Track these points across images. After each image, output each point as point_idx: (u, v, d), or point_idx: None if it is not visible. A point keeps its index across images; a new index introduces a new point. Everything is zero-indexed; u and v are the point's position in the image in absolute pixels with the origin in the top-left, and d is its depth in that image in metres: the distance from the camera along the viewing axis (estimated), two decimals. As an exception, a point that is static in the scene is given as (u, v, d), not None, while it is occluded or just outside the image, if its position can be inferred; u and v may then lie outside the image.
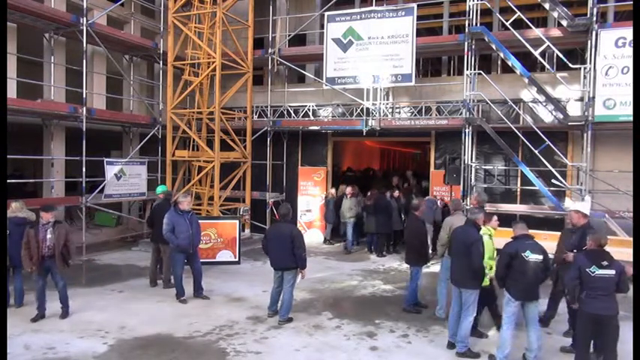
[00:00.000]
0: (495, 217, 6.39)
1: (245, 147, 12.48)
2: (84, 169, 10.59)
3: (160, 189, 9.47)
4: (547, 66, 10.66)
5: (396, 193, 11.51)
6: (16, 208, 6.96)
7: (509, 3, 10.24)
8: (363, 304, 7.70)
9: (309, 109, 12.74)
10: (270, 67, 12.90)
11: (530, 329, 5.40)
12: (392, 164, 23.33)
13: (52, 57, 10.85)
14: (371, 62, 11.52)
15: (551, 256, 6.48)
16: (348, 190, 11.67)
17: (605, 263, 4.79)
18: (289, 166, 13.44)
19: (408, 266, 7.44)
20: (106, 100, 12.55)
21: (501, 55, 10.48)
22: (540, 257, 5.25)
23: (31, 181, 11.69)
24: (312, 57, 13.08)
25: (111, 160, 11.72)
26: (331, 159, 13.45)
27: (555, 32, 10.41)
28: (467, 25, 10.54)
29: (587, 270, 4.85)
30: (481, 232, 5.86)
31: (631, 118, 8.75)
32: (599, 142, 10.26)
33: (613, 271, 4.76)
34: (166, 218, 7.51)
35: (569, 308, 6.05)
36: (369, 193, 11.60)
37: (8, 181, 10.46)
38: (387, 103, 12.04)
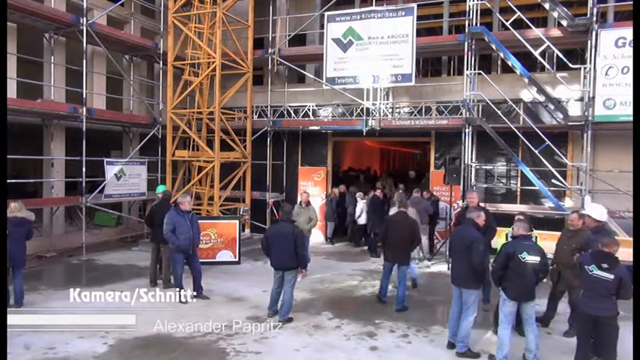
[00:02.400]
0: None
1: (245, 147, 12.48)
2: (84, 169, 10.61)
3: (159, 189, 9.47)
4: (547, 66, 10.65)
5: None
6: (14, 208, 6.96)
7: (509, 3, 10.24)
8: (363, 304, 7.70)
9: (309, 109, 12.74)
10: (270, 67, 12.90)
11: (527, 329, 5.42)
12: (392, 164, 23.33)
13: (52, 57, 10.84)
14: (371, 62, 11.52)
15: (550, 256, 6.50)
16: (304, 196, 9.66)
17: (605, 265, 4.79)
18: (289, 166, 13.43)
19: (388, 264, 7.40)
20: (106, 100, 12.55)
21: (501, 55, 10.48)
22: (538, 259, 5.24)
23: (31, 181, 11.70)
24: (312, 57, 13.08)
25: (111, 160, 11.73)
26: (331, 159, 13.45)
27: (555, 32, 10.41)
28: (467, 25, 10.54)
29: (586, 267, 4.90)
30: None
31: (631, 118, 8.75)
32: (599, 142, 10.25)
33: (612, 276, 4.75)
34: (167, 218, 7.51)
35: (571, 306, 6.08)
36: (371, 194, 11.64)
37: (10, 181, 10.52)
38: (387, 103, 12.04)
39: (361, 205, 11.65)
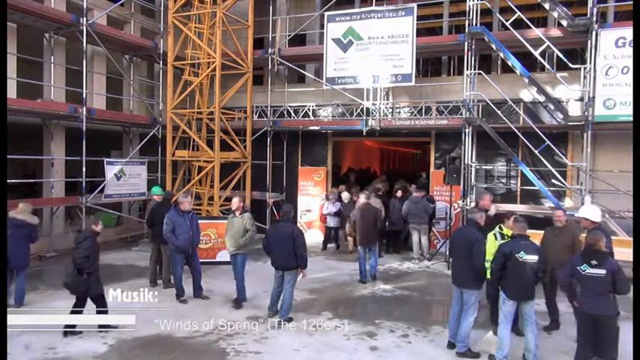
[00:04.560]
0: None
1: (245, 147, 12.48)
2: (84, 169, 10.60)
3: (154, 190, 9.45)
4: (547, 66, 10.65)
5: (399, 193, 11.49)
6: (20, 209, 6.97)
7: (509, 3, 10.23)
8: (363, 304, 7.71)
9: (309, 109, 12.74)
10: (270, 67, 12.90)
11: (526, 329, 5.43)
12: (392, 164, 23.34)
13: (52, 57, 10.84)
14: (371, 62, 11.51)
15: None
16: (235, 202, 7.63)
17: (594, 262, 4.82)
18: (289, 166, 13.43)
19: (360, 248, 8.81)
20: (106, 100, 12.55)
21: (501, 55, 10.47)
22: (535, 258, 5.26)
23: (31, 181, 11.70)
24: (312, 57, 13.07)
25: (111, 160, 11.74)
26: (331, 159, 13.45)
27: (555, 32, 10.40)
28: (467, 25, 10.53)
29: (578, 268, 4.93)
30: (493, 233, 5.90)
31: (631, 118, 8.73)
32: (599, 142, 10.25)
33: (603, 271, 4.77)
34: (167, 218, 7.51)
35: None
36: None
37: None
38: (387, 103, 12.04)
39: (332, 208, 11.50)
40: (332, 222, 11.64)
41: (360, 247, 8.85)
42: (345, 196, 11.52)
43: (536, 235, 6.40)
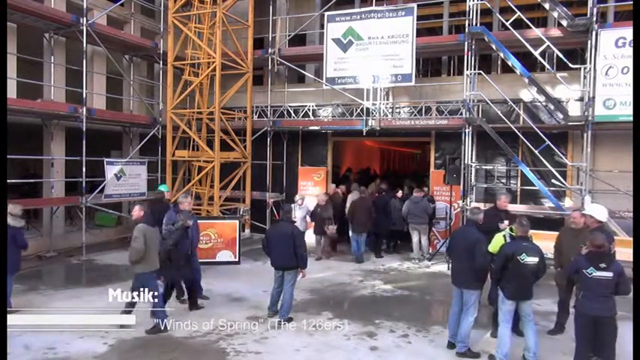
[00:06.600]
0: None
1: (245, 147, 12.48)
2: (84, 169, 10.60)
3: (162, 188, 9.47)
4: (547, 66, 10.65)
5: (399, 194, 11.48)
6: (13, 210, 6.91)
7: (509, 3, 10.24)
8: (363, 304, 7.71)
9: (309, 109, 12.74)
10: (270, 67, 12.91)
11: (525, 327, 5.44)
12: (392, 164, 23.33)
13: (52, 57, 10.84)
14: (371, 62, 11.52)
15: (549, 255, 6.48)
16: (135, 209, 6.66)
17: (602, 265, 4.79)
18: (289, 166, 13.43)
19: (355, 235, 10.49)
20: (106, 100, 12.55)
21: (501, 55, 10.48)
22: (536, 260, 5.26)
23: (31, 181, 11.71)
24: (312, 57, 13.08)
25: (111, 160, 11.74)
26: (331, 159, 13.45)
27: (555, 32, 10.40)
28: (467, 25, 10.54)
29: (584, 271, 4.87)
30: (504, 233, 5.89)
31: (631, 118, 8.74)
32: (599, 142, 10.25)
33: (611, 274, 4.76)
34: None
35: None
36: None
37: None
38: (387, 103, 12.04)
39: (301, 212, 10.55)
40: (300, 225, 10.35)
41: (354, 233, 10.51)
42: (322, 198, 10.80)
43: (537, 235, 6.40)
